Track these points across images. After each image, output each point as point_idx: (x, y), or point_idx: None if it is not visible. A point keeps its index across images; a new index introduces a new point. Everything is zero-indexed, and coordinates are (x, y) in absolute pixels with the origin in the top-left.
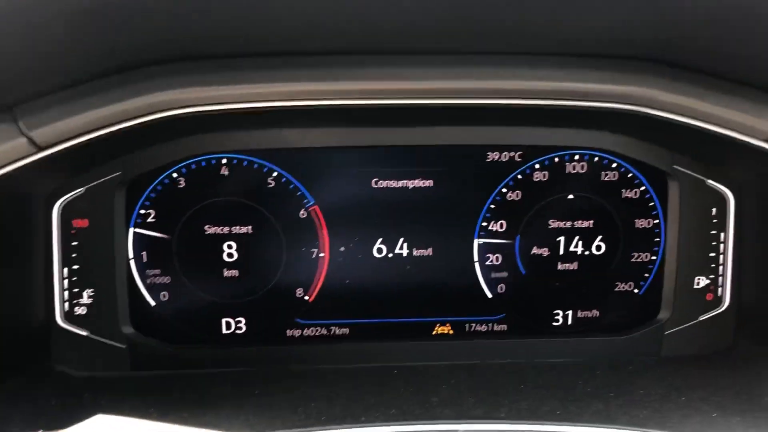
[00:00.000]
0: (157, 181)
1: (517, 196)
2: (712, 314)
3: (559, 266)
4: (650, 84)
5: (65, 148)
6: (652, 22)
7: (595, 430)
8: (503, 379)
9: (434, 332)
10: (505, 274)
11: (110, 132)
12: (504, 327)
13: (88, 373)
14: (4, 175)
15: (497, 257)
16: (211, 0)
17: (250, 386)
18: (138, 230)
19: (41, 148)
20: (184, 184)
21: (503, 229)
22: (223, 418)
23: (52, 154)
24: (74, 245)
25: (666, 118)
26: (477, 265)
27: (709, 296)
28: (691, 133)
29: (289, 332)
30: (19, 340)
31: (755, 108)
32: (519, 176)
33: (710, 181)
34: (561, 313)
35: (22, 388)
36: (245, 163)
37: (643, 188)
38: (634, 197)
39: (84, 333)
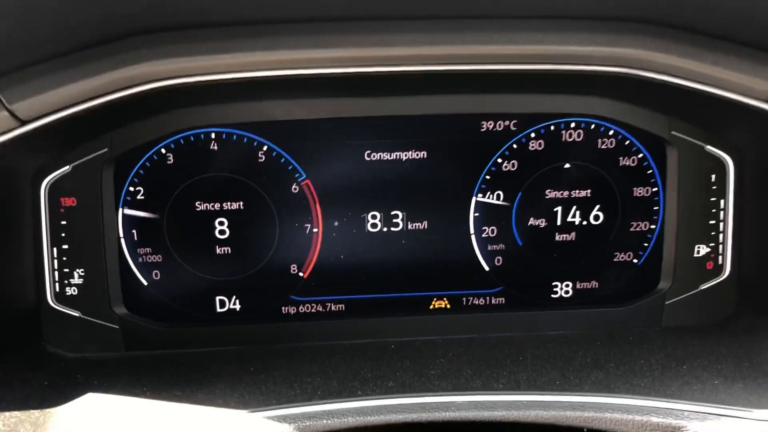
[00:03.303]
0: (145, 158)
1: (513, 166)
2: (712, 283)
3: (557, 237)
4: (646, 45)
5: (49, 123)
6: None
7: (595, 399)
8: (501, 352)
9: (431, 307)
10: (502, 246)
11: (94, 105)
12: (502, 300)
13: (81, 354)
14: None
15: (493, 229)
16: None
17: (245, 364)
18: (127, 212)
19: (24, 122)
20: (172, 160)
21: (499, 200)
22: (218, 396)
23: (35, 128)
24: (63, 224)
25: (662, 80)
26: (473, 238)
27: (710, 265)
28: (688, 97)
29: (284, 309)
30: (11, 321)
31: (753, 67)
32: (514, 146)
33: (709, 147)
34: (560, 284)
35: (14, 370)
36: (234, 137)
37: (640, 156)
38: (631, 165)
39: (76, 314)
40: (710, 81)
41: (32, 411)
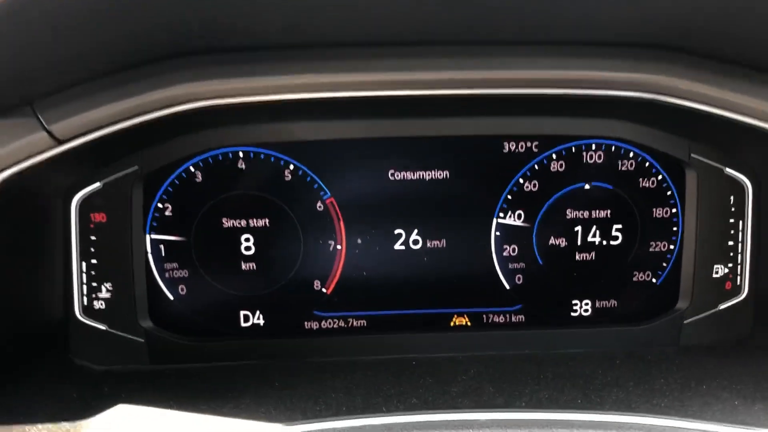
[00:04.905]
0: (174, 176)
1: (534, 186)
2: (731, 303)
3: (577, 256)
4: (667, 71)
5: (84, 143)
6: (669, 10)
7: (616, 418)
8: (522, 369)
9: (452, 323)
10: (522, 265)
11: (128, 126)
12: (522, 318)
13: (108, 367)
14: (24, 169)
15: (514, 248)
16: None
17: (269, 378)
18: (154, 236)
19: (61, 142)
20: (201, 178)
21: (520, 220)
22: (243, 410)
23: (71, 148)
24: (92, 239)
25: (683, 105)
26: (494, 256)
27: (728, 285)
28: (708, 121)
29: (307, 324)
30: (40, 334)
31: None
32: (536, 166)
33: (728, 170)
34: (579, 303)
35: (43, 382)
36: (262, 156)
37: (660, 177)
38: (651, 186)
39: (103, 327)
40: (729, 106)
41: (63, 423)
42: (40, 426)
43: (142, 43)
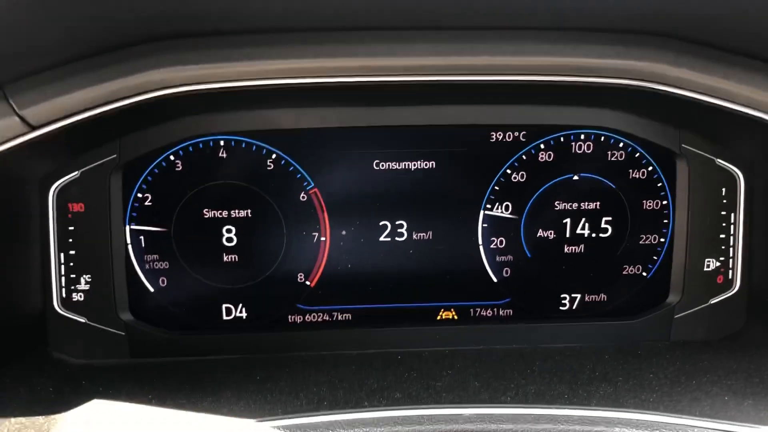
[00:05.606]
0: (153, 164)
1: (522, 177)
2: (722, 297)
3: (566, 249)
4: (657, 58)
5: (59, 129)
6: None
7: (603, 413)
8: (509, 364)
9: (438, 317)
10: (510, 258)
11: (104, 111)
12: (510, 312)
13: (87, 360)
14: None
15: (501, 240)
16: None
17: (251, 372)
18: (135, 227)
19: (34, 128)
20: (181, 167)
21: (508, 212)
22: (223, 405)
23: (45, 134)
24: (71, 230)
25: (674, 93)
26: (481, 249)
27: (720, 279)
28: (699, 111)
29: (290, 318)
30: (16, 326)
31: (764, 81)
32: (524, 157)
33: (719, 161)
34: (568, 297)
35: (19, 375)
36: (243, 145)
37: (650, 168)
38: (641, 178)
39: (82, 320)
40: (720, 94)
41: (37, 417)
42: (13, 420)
43: (116, 27)
